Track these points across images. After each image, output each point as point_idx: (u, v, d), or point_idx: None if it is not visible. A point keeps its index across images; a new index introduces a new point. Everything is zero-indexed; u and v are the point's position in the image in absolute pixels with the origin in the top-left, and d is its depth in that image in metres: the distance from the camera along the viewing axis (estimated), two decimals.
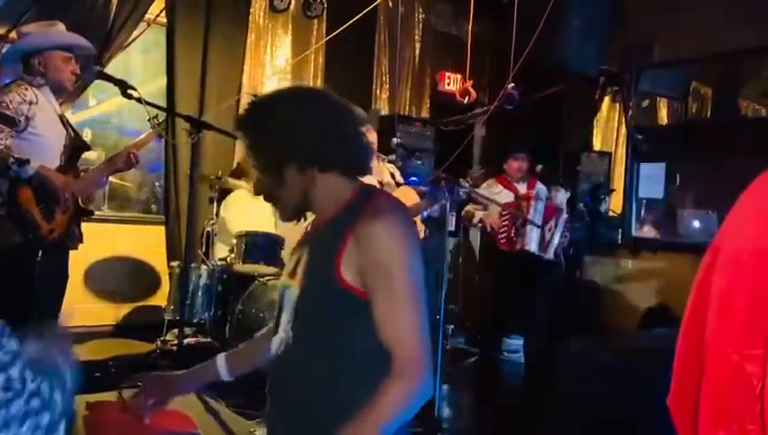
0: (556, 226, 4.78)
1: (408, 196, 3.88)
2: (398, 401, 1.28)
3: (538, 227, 4.68)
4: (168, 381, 1.65)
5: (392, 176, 3.96)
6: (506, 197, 4.90)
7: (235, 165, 5.28)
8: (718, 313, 0.64)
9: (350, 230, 1.35)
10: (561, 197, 5.14)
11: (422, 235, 3.97)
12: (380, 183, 3.82)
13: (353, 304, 1.34)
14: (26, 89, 2.99)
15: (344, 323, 1.36)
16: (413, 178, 4.25)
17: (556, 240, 4.76)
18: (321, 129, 1.41)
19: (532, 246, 4.68)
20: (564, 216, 4.84)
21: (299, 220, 1.51)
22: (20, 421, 0.81)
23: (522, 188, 4.98)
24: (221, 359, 1.64)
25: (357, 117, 1.47)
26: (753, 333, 0.58)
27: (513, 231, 4.73)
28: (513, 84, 5.30)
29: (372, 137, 3.75)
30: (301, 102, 1.44)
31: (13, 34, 4.00)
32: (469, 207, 5.01)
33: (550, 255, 4.76)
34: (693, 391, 0.66)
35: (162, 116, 3.40)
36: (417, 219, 3.93)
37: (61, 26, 3.25)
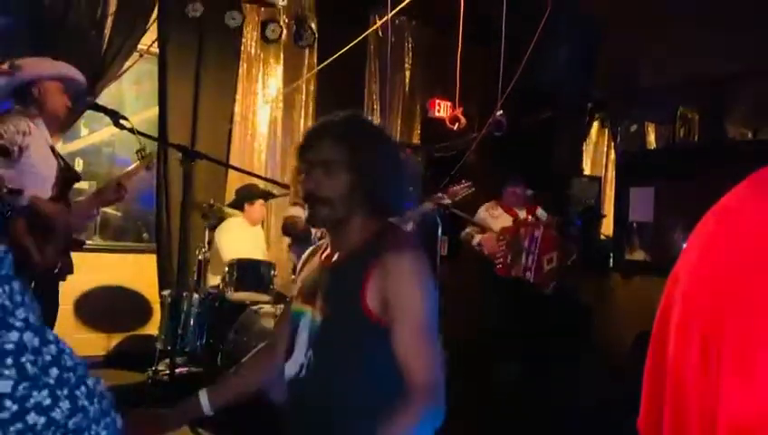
0: (557, 259, 4.77)
1: None
2: (415, 424, 1.33)
3: (533, 255, 4.69)
4: (152, 418, 1.64)
5: None
6: (506, 220, 4.92)
7: (233, 194, 5.25)
8: (676, 339, 0.65)
9: (377, 261, 1.44)
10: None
11: None
12: None
13: (376, 331, 1.42)
14: (20, 120, 3.01)
15: (367, 349, 1.44)
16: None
17: (554, 273, 4.76)
18: (390, 169, 1.56)
19: (527, 274, 4.69)
20: (574, 257, 4.86)
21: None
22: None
23: (521, 214, 5.00)
24: (203, 394, 1.65)
25: (407, 169, 1.66)
26: (708, 353, 0.59)
27: (509, 257, 4.74)
28: (501, 112, 5.36)
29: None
30: (386, 141, 1.62)
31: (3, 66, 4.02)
32: (469, 229, 5.02)
33: (549, 289, 4.75)
34: (659, 416, 0.67)
35: (149, 147, 3.41)
36: None
37: (51, 60, 3.29)
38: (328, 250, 1.62)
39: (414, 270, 1.44)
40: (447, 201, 3.83)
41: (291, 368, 1.53)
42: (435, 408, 1.36)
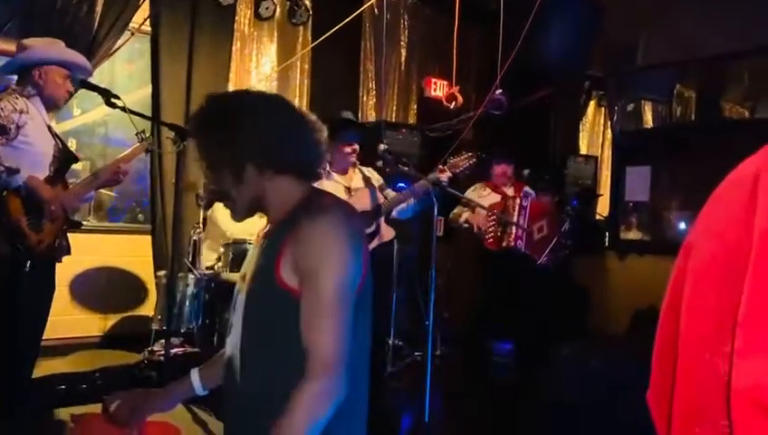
0: (548, 227, 4.80)
1: (366, 199, 3.87)
2: (313, 401, 1.28)
3: (523, 229, 4.70)
4: (145, 398, 1.63)
5: (367, 180, 3.95)
6: (494, 199, 4.92)
7: None
8: (689, 310, 0.65)
9: (292, 231, 1.37)
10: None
11: (389, 236, 3.94)
12: (348, 189, 3.81)
13: (292, 304, 1.35)
14: (17, 98, 2.98)
15: (284, 323, 1.36)
16: (401, 185, 4.25)
17: (550, 243, 4.78)
18: (281, 131, 1.46)
19: (519, 243, 4.71)
20: (566, 226, 4.85)
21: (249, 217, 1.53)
22: None
23: (509, 192, 5.01)
24: (194, 374, 1.63)
25: (314, 125, 1.51)
26: (722, 330, 0.58)
27: (499, 230, 4.75)
28: (500, 90, 5.32)
29: (355, 147, 3.75)
30: (263, 105, 1.49)
31: (6, 46, 3.98)
32: (456, 210, 5.02)
33: (542, 260, 4.76)
34: (670, 389, 0.67)
35: (143, 127, 3.38)
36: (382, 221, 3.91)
37: (62, 44, 3.26)
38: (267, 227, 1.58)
39: (325, 236, 1.35)
40: (448, 174, 3.80)
41: (228, 347, 1.51)
42: (333, 383, 1.30)
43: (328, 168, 3.81)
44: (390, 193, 3.92)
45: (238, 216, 1.51)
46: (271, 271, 1.37)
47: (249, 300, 1.44)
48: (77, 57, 3.24)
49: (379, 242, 3.83)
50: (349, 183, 3.82)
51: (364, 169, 4.00)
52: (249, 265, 1.52)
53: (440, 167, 3.84)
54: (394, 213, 3.91)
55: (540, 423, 3.48)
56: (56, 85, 3.10)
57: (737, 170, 0.66)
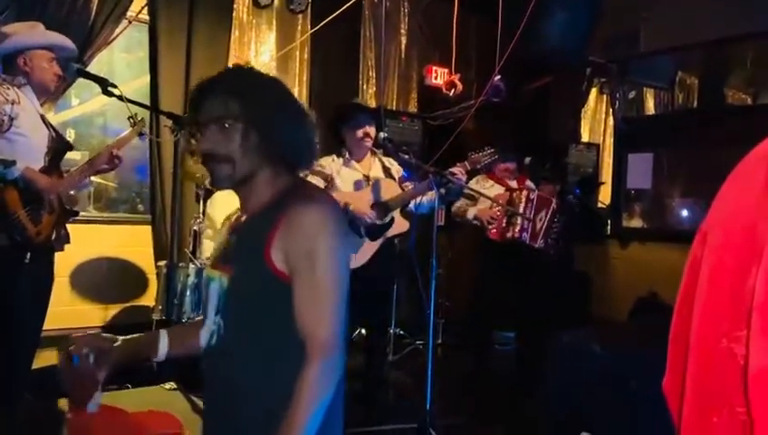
0: (546, 216, 4.79)
1: (390, 189, 3.84)
2: (319, 382, 1.32)
3: (529, 220, 4.68)
4: (106, 351, 1.53)
5: (387, 170, 3.92)
6: (497, 191, 4.89)
7: None
8: (705, 296, 0.63)
9: (282, 216, 1.38)
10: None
11: (400, 229, 3.91)
12: (366, 177, 3.78)
13: (282, 289, 1.36)
14: (8, 88, 2.95)
15: (273, 308, 1.38)
16: (403, 174, 4.23)
17: (544, 229, 4.78)
18: (288, 118, 1.48)
19: (524, 235, 4.69)
20: (554, 205, 4.86)
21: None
22: None
23: (513, 184, 4.99)
24: (164, 338, 1.58)
25: (313, 123, 1.53)
26: (738, 314, 0.57)
27: (504, 221, 4.73)
28: (499, 77, 5.28)
29: (366, 131, 3.71)
30: (280, 90, 1.51)
31: None
32: (460, 203, 4.98)
33: (540, 243, 4.76)
34: (683, 375, 0.65)
35: (142, 114, 3.36)
36: (397, 213, 3.87)
37: (42, 27, 3.22)
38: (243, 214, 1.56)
39: (316, 223, 1.37)
40: (465, 170, 3.76)
41: (204, 337, 1.49)
42: (334, 361, 1.35)
43: (347, 154, 3.78)
44: (408, 186, 3.88)
45: (224, 184, 1.47)
46: (259, 255, 1.37)
47: (234, 286, 1.43)
48: (59, 38, 3.20)
49: (386, 237, 3.80)
50: (367, 171, 3.79)
51: (385, 159, 3.95)
52: (223, 252, 1.51)
53: (458, 165, 3.79)
54: (411, 206, 3.86)
55: (541, 411, 3.48)
56: (43, 70, 3.06)
57: (751, 154, 0.64)
